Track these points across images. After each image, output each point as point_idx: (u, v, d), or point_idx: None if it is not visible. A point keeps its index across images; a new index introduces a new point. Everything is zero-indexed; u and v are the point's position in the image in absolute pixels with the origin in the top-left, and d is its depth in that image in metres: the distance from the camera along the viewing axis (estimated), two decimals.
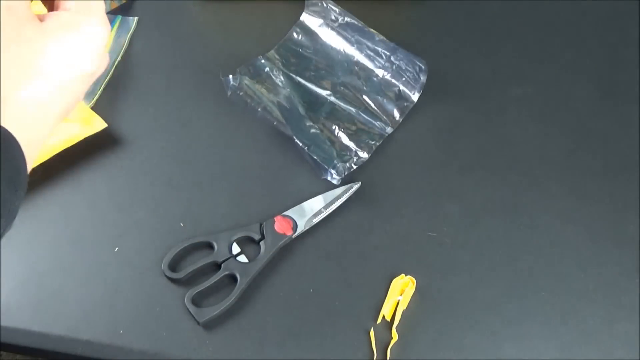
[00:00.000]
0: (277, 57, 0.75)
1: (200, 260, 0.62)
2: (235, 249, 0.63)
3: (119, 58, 0.76)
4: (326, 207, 0.66)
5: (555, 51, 0.79)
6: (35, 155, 0.40)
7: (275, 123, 0.67)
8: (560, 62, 0.79)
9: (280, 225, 0.64)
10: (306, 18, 0.76)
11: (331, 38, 0.76)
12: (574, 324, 0.61)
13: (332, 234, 0.65)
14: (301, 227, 0.64)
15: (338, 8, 0.75)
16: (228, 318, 0.60)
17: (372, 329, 0.60)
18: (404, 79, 0.73)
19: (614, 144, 0.72)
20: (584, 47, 0.80)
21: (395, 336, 0.59)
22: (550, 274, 0.64)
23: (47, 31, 0.39)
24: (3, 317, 0.59)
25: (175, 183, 0.68)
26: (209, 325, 0.60)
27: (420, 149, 0.71)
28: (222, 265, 0.62)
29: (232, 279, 0.61)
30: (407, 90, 0.72)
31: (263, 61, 0.73)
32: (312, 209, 0.65)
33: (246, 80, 0.69)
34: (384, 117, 0.72)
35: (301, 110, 0.70)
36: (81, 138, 0.67)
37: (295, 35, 0.77)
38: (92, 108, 0.71)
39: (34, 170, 0.67)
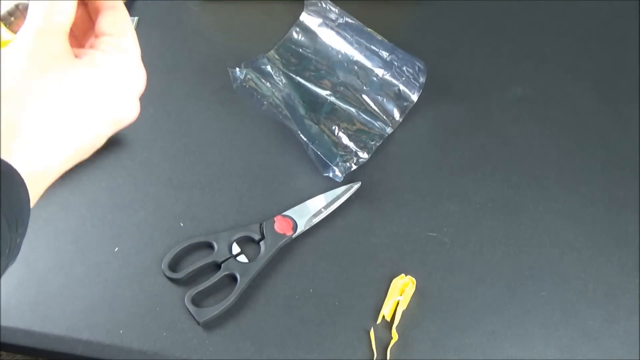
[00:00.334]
0: (277, 57, 0.75)
1: (200, 260, 0.62)
2: (235, 249, 0.63)
3: None
4: (326, 207, 0.66)
5: (555, 51, 0.79)
6: (41, 191, 0.38)
7: (280, 117, 0.67)
8: (560, 62, 0.79)
9: (280, 225, 0.64)
10: (306, 18, 0.76)
11: (331, 38, 0.76)
12: (574, 324, 0.61)
13: (332, 234, 0.65)
14: (301, 227, 0.64)
15: (337, 8, 0.75)
16: (228, 318, 0.60)
17: (372, 329, 0.60)
18: (403, 78, 0.73)
19: (614, 144, 0.72)
20: (583, 47, 0.80)
21: (395, 336, 0.59)
22: (550, 274, 0.64)
23: (79, 68, 0.37)
24: (3, 317, 0.59)
25: (175, 183, 0.68)
26: (209, 325, 0.60)
27: (420, 149, 0.71)
28: (222, 265, 0.62)
29: (232, 279, 0.61)
30: (407, 90, 0.73)
31: (264, 60, 0.73)
32: (312, 209, 0.65)
33: (252, 74, 0.69)
34: (384, 117, 0.72)
35: (301, 110, 0.70)
36: None
37: (295, 35, 0.77)
38: None
39: None
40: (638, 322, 0.61)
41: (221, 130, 0.72)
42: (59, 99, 0.36)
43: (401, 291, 0.62)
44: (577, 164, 0.71)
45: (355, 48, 0.75)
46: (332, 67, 0.75)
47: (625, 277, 0.64)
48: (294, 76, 0.74)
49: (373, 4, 0.81)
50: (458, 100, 0.75)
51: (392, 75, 0.73)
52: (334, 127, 0.70)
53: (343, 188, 0.67)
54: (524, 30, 0.81)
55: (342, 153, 0.68)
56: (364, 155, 0.68)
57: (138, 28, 0.78)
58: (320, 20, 0.76)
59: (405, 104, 0.72)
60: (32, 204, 0.37)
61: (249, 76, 0.68)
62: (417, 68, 0.73)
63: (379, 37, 0.75)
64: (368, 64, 0.74)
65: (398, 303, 0.61)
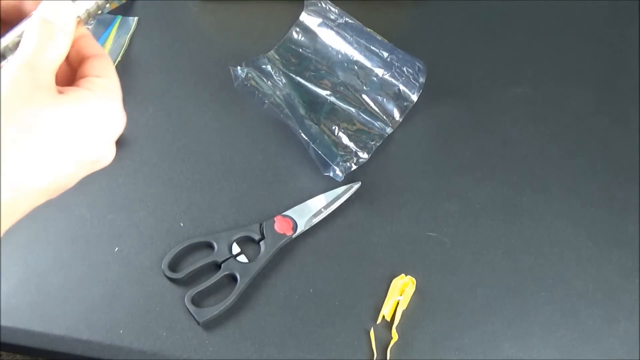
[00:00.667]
0: (277, 57, 0.75)
1: (200, 260, 0.62)
2: (235, 249, 0.63)
3: (119, 58, 0.76)
4: (326, 207, 0.66)
5: (555, 51, 0.79)
6: (4, 227, 0.37)
7: (281, 116, 0.67)
8: (560, 62, 0.79)
9: (280, 225, 0.64)
10: (305, 18, 0.76)
11: (331, 38, 0.76)
12: (574, 324, 0.61)
13: (332, 234, 0.65)
14: (301, 227, 0.64)
15: (337, 8, 0.75)
16: (228, 318, 0.60)
17: (372, 329, 0.60)
18: (403, 78, 0.73)
19: (614, 144, 0.72)
20: (583, 47, 0.80)
21: (395, 336, 0.59)
22: (550, 274, 0.64)
23: (63, 103, 0.36)
24: (3, 317, 0.59)
25: (175, 183, 0.68)
26: (209, 325, 0.60)
27: (420, 149, 0.71)
28: (222, 265, 0.62)
29: (232, 279, 0.61)
30: (406, 90, 0.73)
31: (264, 60, 0.73)
32: (312, 209, 0.65)
33: (253, 72, 0.69)
34: (384, 117, 0.72)
35: (301, 110, 0.70)
36: None
37: (294, 35, 0.77)
38: None
39: None
40: (638, 322, 0.61)
41: (221, 130, 0.72)
42: (38, 131, 0.35)
43: (401, 291, 0.62)
44: (577, 164, 0.71)
45: (355, 48, 0.75)
46: (332, 67, 0.75)
47: (625, 277, 0.64)
48: (294, 76, 0.74)
49: (373, 4, 0.81)
50: (458, 100, 0.75)
51: (392, 75, 0.73)
52: (334, 127, 0.70)
53: (343, 188, 0.67)
54: (524, 30, 0.81)
55: (342, 153, 0.68)
56: (364, 155, 0.68)
57: (138, 28, 0.79)
58: (320, 20, 0.76)
59: (405, 104, 0.72)
60: None
61: (250, 75, 0.68)
62: (417, 68, 0.73)
63: (379, 37, 0.75)
64: (368, 64, 0.74)
65: (398, 303, 0.61)
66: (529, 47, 0.80)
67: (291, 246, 0.64)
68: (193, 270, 0.61)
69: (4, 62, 0.39)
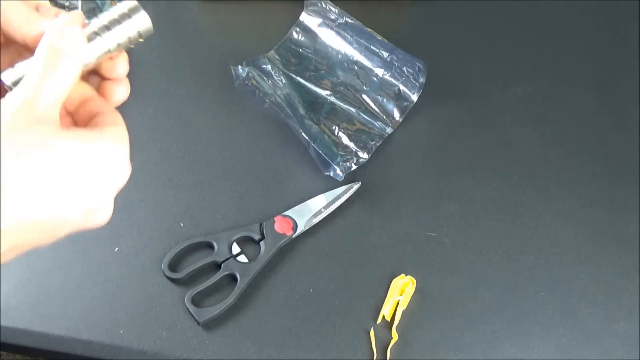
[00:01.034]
0: (277, 57, 0.75)
1: (200, 260, 0.62)
2: (235, 249, 0.63)
3: None
4: (326, 207, 0.66)
5: (555, 51, 0.79)
6: None
7: (282, 115, 0.67)
8: (560, 62, 0.79)
9: (280, 225, 0.64)
10: (306, 18, 0.76)
11: (331, 38, 0.76)
12: (574, 324, 0.61)
13: (332, 234, 0.65)
14: (301, 227, 0.64)
15: (337, 8, 0.75)
16: (228, 318, 0.60)
17: (372, 329, 0.60)
18: (403, 78, 0.73)
19: (614, 144, 0.72)
20: (583, 47, 0.80)
21: (395, 336, 0.59)
22: (550, 274, 0.64)
23: (64, 138, 0.34)
24: (3, 317, 0.59)
25: (175, 183, 0.68)
26: (209, 325, 0.60)
27: (420, 149, 0.71)
28: (222, 265, 0.62)
29: (232, 279, 0.61)
30: (406, 90, 0.73)
31: (264, 60, 0.73)
32: (312, 209, 0.65)
33: (254, 72, 0.69)
34: (384, 117, 0.72)
35: (301, 110, 0.70)
36: None
37: (295, 35, 0.77)
38: None
39: None
40: (638, 322, 0.61)
41: (221, 130, 0.72)
42: (36, 163, 0.32)
43: (401, 291, 0.62)
44: (577, 164, 0.71)
45: (355, 48, 0.75)
46: (332, 67, 0.75)
47: (625, 277, 0.64)
48: (294, 76, 0.74)
49: (373, 4, 0.81)
50: (458, 100, 0.75)
51: (392, 75, 0.73)
52: (334, 127, 0.70)
53: (343, 188, 0.67)
54: (524, 30, 0.81)
55: (342, 153, 0.68)
56: (364, 155, 0.68)
57: None
58: (320, 20, 0.76)
59: (405, 104, 0.72)
60: None
61: (251, 74, 0.68)
62: (417, 68, 0.73)
63: (379, 37, 0.75)
64: (368, 64, 0.74)
65: (398, 303, 0.61)
66: (529, 47, 0.80)
67: (291, 246, 0.64)
68: (193, 270, 0.61)
69: (9, 93, 0.37)
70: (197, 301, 0.60)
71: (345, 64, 0.75)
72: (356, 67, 0.74)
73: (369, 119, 0.72)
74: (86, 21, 0.39)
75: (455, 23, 0.82)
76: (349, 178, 0.67)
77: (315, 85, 0.74)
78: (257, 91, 0.67)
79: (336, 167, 0.66)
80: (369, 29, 0.75)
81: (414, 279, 0.62)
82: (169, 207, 0.66)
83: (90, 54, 0.39)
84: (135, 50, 0.77)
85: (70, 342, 0.59)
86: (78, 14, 0.37)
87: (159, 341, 0.59)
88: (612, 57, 0.79)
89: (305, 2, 0.76)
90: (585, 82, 0.77)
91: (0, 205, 0.31)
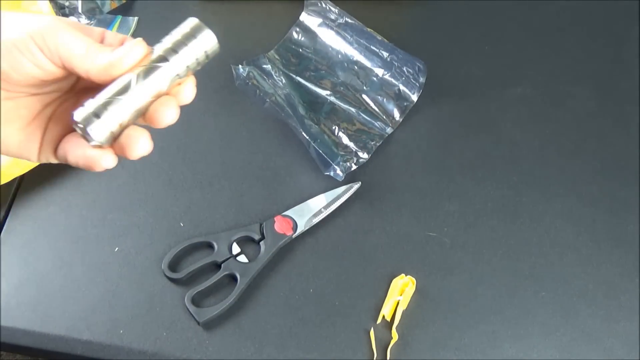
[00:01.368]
0: (277, 57, 0.75)
1: (200, 260, 0.62)
2: (235, 249, 0.63)
3: None
4: (326, 207, 0.66)
5: (555, 51, 0.79)
6: None
7: (282, 115, 0.67)
8: (560, 62, 0.79)
9: (280, 225, 0.64)
10: (306, 18, 0.76)
11: (331, 38, 0.76)
12: (574, 324, 0.61)
13: (332, 234, 0.65)
14: (301, 227, 0.64)
15: (337, 8, 0.75)
16: (228, 318, 0.60)
17: (372, 329, 0.60)
18: (403, 78, 0.73)
19: (614, 144, 0.72)
20: (583, 47, 0.80)
21: (395, 336, 0.59)
22: (550, 274, 0.64)
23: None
24: (3, 317, 0.59)
25: (175, 183, 0.68)
26: (209, 325, 0.60)
27: (420, 149, 0.71)
28: (222, 265, 0.62)
29: (232, 279, 0.61)
30: (407, 90, 0.73)
31: (264, 60, 0.73)
32: (312, 209, 0.65)
33: (254, 71, 0.69)
34: (384, 117, 0.72)
35: (301, 110, 0.70)
36: None
37: (295, 35, 0.77)
38: None
39: (33, 170, 0.67)
40: (638, 322, 0.61)
41: (221, 130, 0.72)
42: None
43: (401, 291, 0.62)
44: (577, 164, 0.71)
45: (355, 48, 0.75)
46: (332, 67, 0.75)
47: (625, 277, 0.64)
48: (294, 76, 0.74)
49: (373, 4, 0.81)
50: (458, 100, 0.75)
51: (392, 75, 0.73)
52: (334, 127, 0.70)
53: (343, 188, 0.67)
54: (524, 30, 0.81)
55: (342, 153, 0.68)
56: (364, 156, 0.68)
57: (138, 28, 0.78)
58: (320, 20, 0.76)
59: (405, 104, 0.72)
60: None
61: (251, 74, 0.68)
62: (417, 68, 0.73)
63: (379, 37, 0.75)
64: (368, 64, 0.74)
65: (398, 303, 0.61)
66: (529, 47, 0.80)
67: (291, 246, 0.64)
68: (193, 270, 0.61)
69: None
70: (197, 301, 0.60)
71: (345, 64, 0.75)
72: (356, 67, 0.74)
73: (369, 119, 0.72)
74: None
75: (455, 23, 0.82)
76: (349, 178, 0.67)
77: (315, 85, 0.74)
78: (257, 91, 0.67)
79: (336, 167, 0.66)
80: (369, 29, 0.75)
81: (414, 279, 0.62)
82: (169, 207, 0.66)
83: (161, 81, 0.38)
84: None
85: (70, 342, 0.59)
86: (141, 40, 0.37)
87: (159, 341, 0.59)
88: (612, 57, 0.79)
89: (305, 2, 0.76)
90: (585, 82, 0.77)
91: None
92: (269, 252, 0.62)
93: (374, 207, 0.67)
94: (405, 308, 0.61)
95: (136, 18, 0.79)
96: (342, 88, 0.74)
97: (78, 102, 0.37)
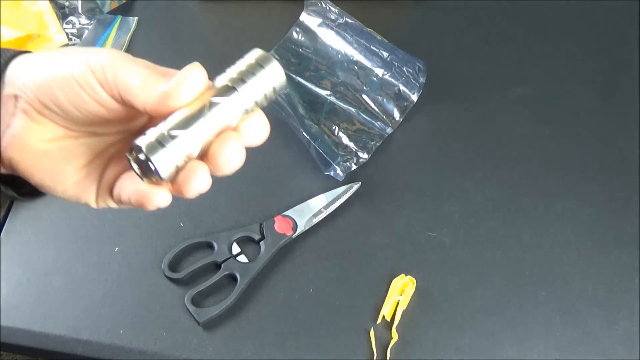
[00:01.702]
0: (276, 57, 0.75)
1: (200, 260, 0.62)
2: (235, 249, 0.63)
3: None
4: (326, 207, 0.66)
5: (555, 51, 0.79)
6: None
7: (282, 114, 0.67)
8: (560, 62, 0.79)
9: (280, 225, 0.64)
10: (306, 18, 0.76)
11: (331, 38, 0.76)
12: (574, 324, 0.61)
13: (332, 234, 0.65)
14: (301, 227, 0.64)
15: (337, 8, 0.75)
16: (228, 318, 0.60)
17: (372, 329, 0.60)
18: (403, 78, 0.73)
19: (614, 144, 0.72)
20: (584, 47, 0.80)
21: (395, 336, 0.59)
22: (550, 274, 0.64)
23: None
24: (3, 317, 0.59)
25: None
26: (209, 325, 0.60)
27: (420, 149, 0.71)
28: (222, 265, 0.62)
29: (232, 279, 0.61)
30: (406, 90, 0.72)
31: None
32: (312, 209, 0.65)
33: None
34: (384, 117, 0.72)
35: (301, 110, 0.70)
36: None
37: (295, 35, 0.77)
38: None
39: None
40: (638, 322, 0.61)
41: None
42: None
43: (401, 291, 0.62)
44: (577, 164, 0.71)
45: (355, 48, 0.75)
46: (332, 67, 0.75)
47: (625, 277, 0.64)
48: (294, 76, 0.74)
49: (373, 4, 0.81)
50: (458, 100, 0.75)
51: (392, 75, 0.73)
52: (334, 127, 0.70)
53: (343, 188, 0.67)
54: (524, 30, 0.81)
55: (342, 153, 0.68)
56: (364, 156, 0.68)
57: (138, 28, 0.78)
58: (320, 20, 0.76)
59: (405, 104, 0.72)
60: None
61: None
62: (417, 68, 0.73)
63: (379, 37, 0.75)
64: (368, 64, 0.74)
65: (398, 303, 0.61)
66: (529, 47, 0.80)
67: (291, 246, 0.64)
68: (193, 270, 0.61)
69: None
70: (197, 301, 0.60)
71: (345, 64, 0.75)
72: (356, 67, 0.74)
73: (369, 119, 0.72)
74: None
75: (455, 23, 0.82)
76: (349, 178, 0.67)
77: (315, 85, 0.74)
78: None
79: (336, 167, 0.66)
80: (369, 29, 0.75)
81: (414, 279, 0.62)
82: (169, 207, 0.66)
83: (231, 113, 0.34)
84: (135, 50, 0.77)
85: (70, 342, 0.59)
86: (197, 64, 0.34)
87: (159, 341, 0.59)
88: (612, 57, 0.79)
89: (305, 2, 0.76)
90: (585, 82, 0.77)
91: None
92: (269, 252, 0.62)
93: (374, 207, 0.67)
94: (405, 308, 0.61)
95: (136, 18, 0.79)
96: (342, 88, 0.74)
97: None
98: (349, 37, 0.75)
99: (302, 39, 0.76)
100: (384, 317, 0.61)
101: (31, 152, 0.35)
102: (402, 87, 0.73)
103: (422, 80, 0.72)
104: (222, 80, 0.34)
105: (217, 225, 0.65)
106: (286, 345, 0.59)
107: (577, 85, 0.77)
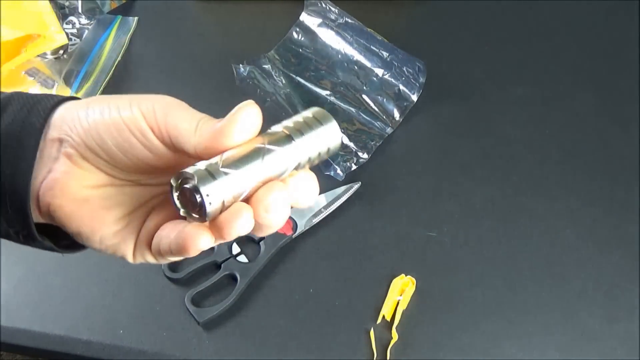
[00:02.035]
0: (277, 57, 0.75)
1: (200, 260, 0.62)
2: (235, 249, 0.63)
3: (119, 58, 0.76)
4: (326, 207, 0.66)
5: (555, 51, 0.79)
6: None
7: (283, 114, 0.67)
8: (560, 62, 0.79)
9: None
10: (306, 18, 0.76)
11: (331, 38, 0.76)
12: (574, 324, 0.61)
13: (332, 234, 0.65)
14: (301, 227, 0.64)
15: (337, 8, 0.75)
16: (228, 318, 0.60)
17: (372, 329, 0.60)
18: (403, 78, 0.73)
19: (614, 144, 0.72)
20: (583, 47, 0.80)
21: (395, 336, 0.59)
22: (550, 274, 0.64)
23: None
24: (3, 317, 0.59)
25: None
26: (209, 325, 0.60)
27: (420, 149, 0.71)
28: (222, 265, 0.62)
29: (232, 279, 0.61)
30: (406, 90, 0.72)
31: (264, 60, 0.73)
32: (312, 209, 0.65)
33: (255, 70, 0.69)
34: (384, 117, 0.72)
35: (301, 110, 0.70)
36: None
37: (295, 35, 0.77)
38: None
39: None
40: (638, 322, 0.61)
41: None
42: None
43: (401, 291, 0.62)
44: (577, 164, 0.71)
45: (355, 48, 0.75)
46: (332, 67, 0.75)
47: (625, 277, 0.64)
48: (294, 76, 0.74)
49: (373, 4, 0.81)
50: (458, 100, 0.75)
51: (392, 75, 0.73)
52: None
53: (343, 188, 0.67)
54: (523, 30, 0.81)
55: (342, 153, 0.68)
56: (364, 156, 0.68)
57: (138, 28, 0.78)
58: (320, 20, 0.76)
59: (405, 104, 0.72)
60: None
61: (252, 73, 0.68)
62: (417, 68, 0.73)
63: (379, 37, 0.75)
64: (368, 64, 0.74)
65: (398, 303, 0.61)
66: (529, 47, 0.80)
67: (291, 246, 0.64)
68: (193, 270, 0.61)
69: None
70: (197, 301, 0.60)
71: (345, 64, 0.75)
72: (356, 67, 0.74)
73: (369, 119, 0.72)
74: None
75: (455, 23, 0.82)
76: (349, 178, 0.67)
77: (315, 85, 0.74)
78: (258, 90, 0.68)
79: (336, 166, 0.66)
80: (369, 29, 0.75)
81: (414, 279, 0.62)
82: None
83: (284, 162, 0.32)
84: (135, 50, 0.77)
85: (70, 342, 0.59)
86: (251, 102, 0.34)
87: (159, 341, 0.59)
88: (612, 57, 0.79)
89: (305, 2, 0.76)
90: (585, 82, 0.77)
91: None
92: (269, 252, 0.62)
93: (374, 207, 0.67)
94: (405, 308, 0.61)
95: (136, 18, 0.79)
96: (342, 88, 0.74)
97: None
98: (349, 37, 0.75)
99: (302, 39, 0.76)
100: (384, 317, 0.61)
101: (71, 198, 0.34)
102: (402, 87, 0.73)
103: (422, 80, 0.72)
104: (278, 128, 0.33)
105: None
106: (286, 345, 0.59)
107: (577, 85, 0.77)
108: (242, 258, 0.62)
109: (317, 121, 0.33)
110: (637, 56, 0.79)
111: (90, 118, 0.33)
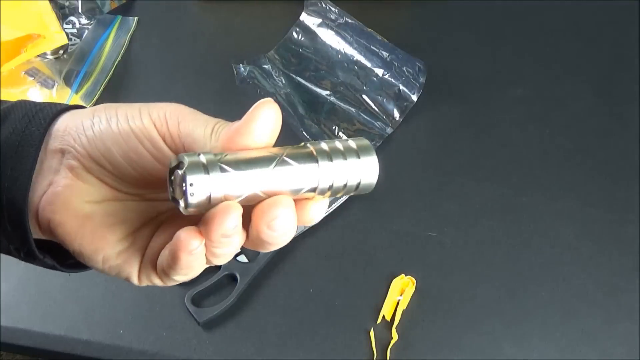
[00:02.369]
0: (277, 57, 0.75)
1: None
2: None
3: (119, 58, 0.76)
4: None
5: (555, 51, 0.79)
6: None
7: (283, 114, 0.67)
8: (560, 62, 0.78)
9: None
10: (306, 18, 0.76)
11: (331, 38, 0.76)
12: (574, 324, 0.61)
13: (332, 234, 0.65)
14: (301, 227, 0.64)
15: (337, 8, 0.75)
16: (228, 318, 0.60)
17: (372, 329, 0.60)
18: (403, 78, 0.73)
19: (614, 144, 0.72)
20: (583, 47, 0.80)
21: (395, 336, 0.59)
22: (550, 274, 0.64)
23: None
24: (3, 317, 0.59)
25: None
26: (209, 325, 0.60)
27: (420, 149, 0.71)
28: (222, 265, 0.62)
29: (232, 279, 0.61)
30: (406, 90, 0.72)
31: (264, 60, 0.73)
32: None
33: (256, 70, 0.69)
34: (384, 117, 0.72)
35: (301, 110, 0.70)
36: None
37: (295, 35, 0.77)
38: None
39: None
40: (638, 322, 0.61)
41: None
42: None
43: (401, 291, 0.62)
44: (577, 164, 0.71)
45: (355, 48, 0.75)
46: (332, 67, 0.75)
47: (625, 277, 0.64)
48: (294, 76, 0.74)
49: (373, 4, 0.81)
50: (458, 100, 0.75)
51: (392, 75, 0.73)
52: (334, 127, 0.70)
53: None
54: (524, 30, 0.81)
55: None
56: None
57: (138, 28, 0.78)
58: (320, 20, 0.76)
59: (405, 104, 0.72)
60: None
61: (252, 73, 0.68)
62: (417, 68, 0.73)
63: (379, 37, 0.75)
64: (368, 64, 0.74)
65: (398, 303, 0.61)
66: (529, 47, 0.80)
67: (291, 246, 0.64)
68: None
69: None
70: (197, 301, 0.60)
71: (345, 64, 0.75)
72: (356, 67, 0.74)
73: (369, 119, 0.72)
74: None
75: (455, 23, 0.82)
76: None
77: (315, 85, 0.74)
78: (258, 90, 0.67)
79: None
80: (369, 29, 0.75)
81: (414, 279, 0.62)
82: None
83: (298, 183, 0.29)
84: (135, 50, 0.77)
85: (70, 342, 0.59)
86: (270, 100, 0.32)
87: (159, 341, 0.59)
88: (612, 57, 0.79)
89: (305, 2, 0.76)
90: (585, 83, 0.77)
91: None
92: (269, 252, 0.62)
93: (374, 207, 0.67)
94: (405, 308, 0.61)
95: (136, 18, 0.79)
96: (342, 88, 0.74)
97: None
98: (349, 37, 0.75)
99: (302, 39, 0.76)
100: (384, 317, 0.61)
101: (73, 214, 0.31)
102: (402, 87, 0.73)
103: (422, 80, 0.72)
104: (309, 145, 0.30)
105: None
106: (286, 345, 0.59)
107: (577, 85, 0.77)
108: (242, 258, 0.62)
109: (355, 151, 0.31)
110: (637, 56, 0.79)
111: (96, 127, 0.31)
